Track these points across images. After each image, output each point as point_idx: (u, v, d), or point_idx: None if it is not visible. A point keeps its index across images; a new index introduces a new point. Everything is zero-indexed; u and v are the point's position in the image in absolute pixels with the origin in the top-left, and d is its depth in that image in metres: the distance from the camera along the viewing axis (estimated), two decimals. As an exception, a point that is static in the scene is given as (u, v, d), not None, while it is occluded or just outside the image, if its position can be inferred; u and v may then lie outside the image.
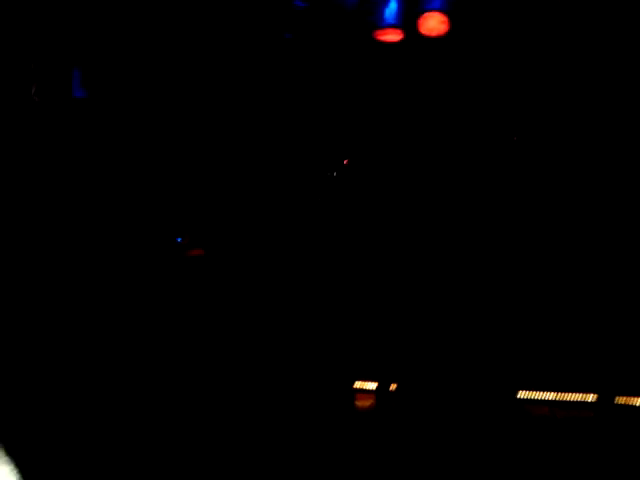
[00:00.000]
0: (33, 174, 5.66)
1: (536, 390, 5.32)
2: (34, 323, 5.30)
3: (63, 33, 5.70)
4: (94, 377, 5.14)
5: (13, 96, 5.60)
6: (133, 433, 4.73)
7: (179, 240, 5.78)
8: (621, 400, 5.10)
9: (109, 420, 4.81)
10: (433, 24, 4.92)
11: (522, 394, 5.30)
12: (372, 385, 5.57)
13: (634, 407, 5.08)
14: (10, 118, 5.58)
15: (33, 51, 5.71)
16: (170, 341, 5.38)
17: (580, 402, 5.24)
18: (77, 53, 5.80)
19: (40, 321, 5.36)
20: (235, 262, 5.65)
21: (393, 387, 5.47)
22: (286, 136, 5.70)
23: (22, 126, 5.68)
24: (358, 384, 5.54)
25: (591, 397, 5.20)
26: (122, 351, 5.29)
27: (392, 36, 5.08)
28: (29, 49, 5.69)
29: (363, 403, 5.46)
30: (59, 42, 5.74)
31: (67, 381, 5.07)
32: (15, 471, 3.54)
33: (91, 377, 5.14)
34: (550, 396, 5.30)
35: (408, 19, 4.95)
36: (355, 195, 5.65)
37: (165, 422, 4.89)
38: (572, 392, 5.23)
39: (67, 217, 5.69)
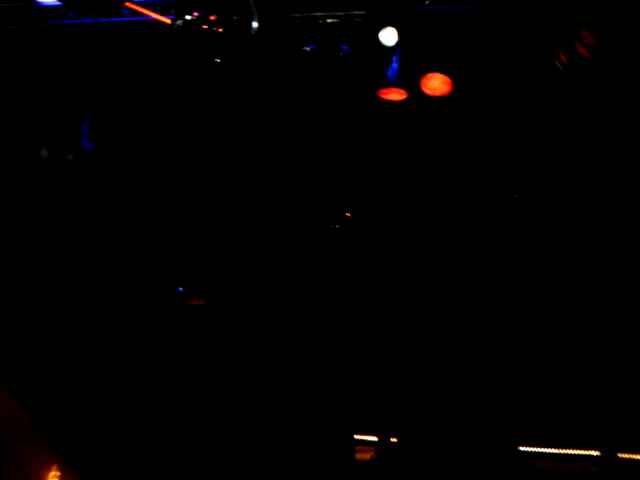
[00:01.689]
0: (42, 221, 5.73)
1: (539, 446, 5.33)
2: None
3: (71, 88, 5.80)
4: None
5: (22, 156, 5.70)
6: None
7: (181, 290, 5.80)
8: (624, 456, 5.12)
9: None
10: (436, 84, 5.01)
11: (525, 448, 5.31)
12: (373, 438, 5.56)
13: (637, 461, 5.09)
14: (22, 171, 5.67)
15: (42, 106, 5.81)
16: (166, 393, 5.38)
17: (583, 455, 5.25)
18: (84, 107, 5.89)
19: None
20: (236, 312, 5.66)
21: (394, 440, 5.47)
22: (291, 190, 5.77)
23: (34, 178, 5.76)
24: (359, 437, 5.53)
25: (594, 453, 5.22)
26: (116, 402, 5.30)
27: (396, 95, 5.17)
28: (37, 106, 5.79)
29: (363, 456, 5.44)
30: (67, 97, 5.83)
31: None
32: None
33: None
34: (553, 450, 5.31)
35: (412, 79, 5.05)
36: (357, 247, 5.70)
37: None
38: (575, 449, 5.24)
39: (74, 265, 5.73)
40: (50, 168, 5.89)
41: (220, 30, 4.66)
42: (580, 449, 5.25)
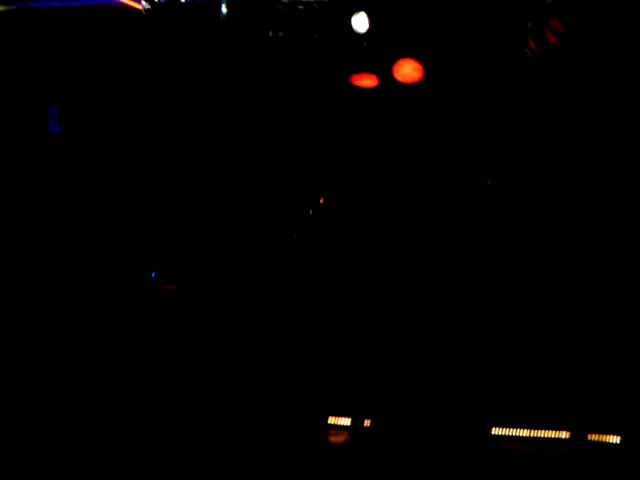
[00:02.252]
0: (9, 207, 5.65)
1: (510, 427, 5.39)
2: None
3: (39, 71, 5.72)
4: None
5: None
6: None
7: (153, 275, 5.78)
8: (593, 437, 5.20)
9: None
10: (408, 70, 5.01)
11: (496, 430, 5.37)
12: (346, 421, 5.59)
13: (606, 444, 5.17)
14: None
15: (10, 88, 5.72)
16: (140, 376, 5.37)
17: (554, 439, 5.33)
18: (53, 90, 5.82)
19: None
20: (208, 297, 5.65)
21: (367, 423, 5.50)
22: (263, 175, 5.74)
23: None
24: (332, 420, 5.55)
25: (564, 434, 5.30)
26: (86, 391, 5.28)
27: (367, 81, 5.16)
28: (6, 87, 5.70)
29: (337, 439, 5.47)
30: (35, 80, 5.75)
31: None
32: None
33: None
34: (524, 433, 5.37)
35: (383, 65, 5.04)
36: (330, 233, 5.70)
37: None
38: (546, 429, 5.31)
39: (40, 253, 5.67)
40: (17, 153, 5.80)
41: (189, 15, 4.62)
42: (551, 430, 5.32)
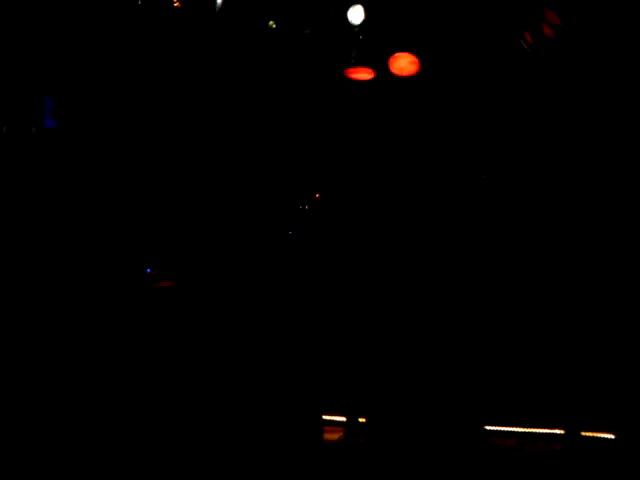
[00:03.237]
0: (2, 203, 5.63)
1: (504, 425, 5.38)
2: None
3: (36, 63, 5.70)
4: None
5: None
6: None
7: (148, 271, 5.77)
8: (587, 434, 5.19)
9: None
10: (404, 64, 5.00)
11: (490, 427, 5.36)
12: (341, 418, 5.57)
13: (600, 439, 5.16)
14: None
15: (5, 79, 5.70)
16: (135, 375, 5.35)
17: (548, 434, 5.31)
18: (48, 83, 5.80)
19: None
20: (204, 294, 5.64)
21: (362, 420, 5.49)
22: (258, 171, 5.74)
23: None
24: (327, 417, 5.54)
25: (558, 431, 5.28)
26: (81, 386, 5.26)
27: (363, 75, 5.15)
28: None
29: (331, 436, 5.45)
30: (30, 72, 5.73)
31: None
32: None
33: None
34: (518, 429, 5.37)
35: (379, 59, 5.03)
36: (326, 228, 5.69)
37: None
38: (540, 427, 5.31)
39: (36, 247, 5.65)
40: (10, 147, 5.79)
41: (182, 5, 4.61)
42: (545, 428, 5.32)
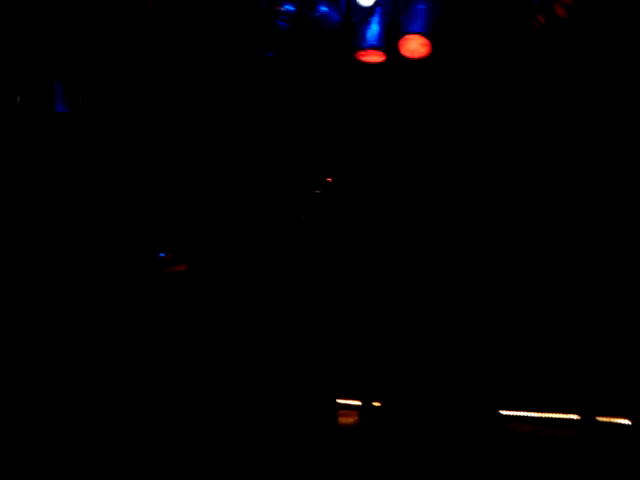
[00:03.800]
0: (15, 188, 5.64)
1: (520, 410, 5.35)
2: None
3: (46, 47, 5.68)
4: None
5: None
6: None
7: (162, 255, 5.77)
8: (603, 419, 5.15)
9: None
10: (414, 46, 4.93)
11: (506, 412, 5.34)
12: (356, 402, 5.57)
13: (615, 425, 5.12)
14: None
15: (16, 64, 5.68)
16: (149, 358, 5.37)
17: (563, 419, 5.28)
18: (60, 67, 5.78)
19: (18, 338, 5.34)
20: (218, 278, 5.64)
21: (377, 404, 5.48)
22: (270, 155, 5.71)
23: (5, 139, 5.66)
24: (342, 401, 5.54)
25: (575, 417, 5.25)
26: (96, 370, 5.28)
27: (374, 57, 5.08)
28: (11, 61, 5.66)
29: (347, 420, 5.46)
30: (42, 56, 5.71)
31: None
32: None
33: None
34: (534, 414, 5.34)
35: (390, 41, 4.96)
36: (339, 213, 5.67)
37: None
38: (555, 412, 5.27)
39: (49, 233, 5.67)
40: (22, 133, 5.78)
41: None
42: (561, 413, 5.28)
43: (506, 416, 5.31)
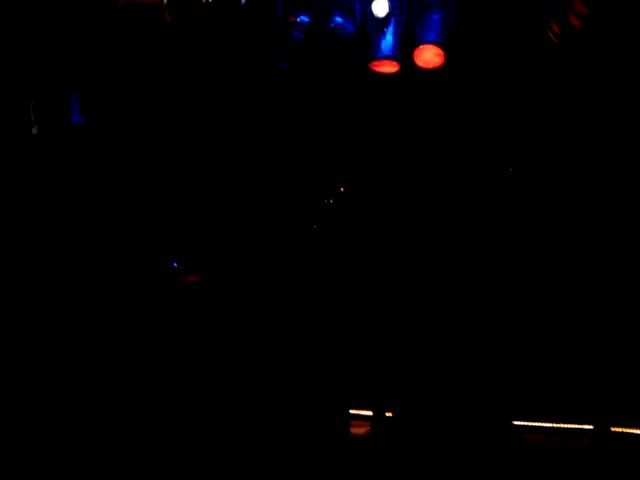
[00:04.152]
0: (32, 197, 5.67)
1: (532, 420, 5.35)
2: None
3: (63, 60, 5.73)
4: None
5: (12, 125, 5.62)
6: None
7: (175, 265, 5.79)
8: (618, 429, 5.13)
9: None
10: (429, 56, 4.95)
11: (519, 422, 5.33)
12: (367, 413, 5.57)
13: (629, 435, 5.10)
14: (9, 147, 5.60)
15: (31, 78, 5.73)
16: (163, 367, 5.38)
17: (576, 429, 5.27)
18: (75, 79, 5.82)
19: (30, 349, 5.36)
20: (230, 288, 5.65)
21: (389, 414, 5.48)
22: (284, 165, 5.73)
23: (22, 153, 5.70)
24: (354, 412, 5.54)
25: (588, 427, 5.23)
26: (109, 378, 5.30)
27: (388, 68, 5.10)
28: (27, 76, 5.72)
29: (358, 430, 5.45)
30: (57, 69, 5.76)
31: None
32: None
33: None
34: (546, 424, 5.33)
35: (404, 51, 4.99)
36: (350, 222, 5.68)
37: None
38: (568, 423, 5.26)
39: (65, 242, 5.69)
40: (38, 144, 5.83)
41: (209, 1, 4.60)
42: (574, 423, 5.27)
43: (518, 426, 5.30)
